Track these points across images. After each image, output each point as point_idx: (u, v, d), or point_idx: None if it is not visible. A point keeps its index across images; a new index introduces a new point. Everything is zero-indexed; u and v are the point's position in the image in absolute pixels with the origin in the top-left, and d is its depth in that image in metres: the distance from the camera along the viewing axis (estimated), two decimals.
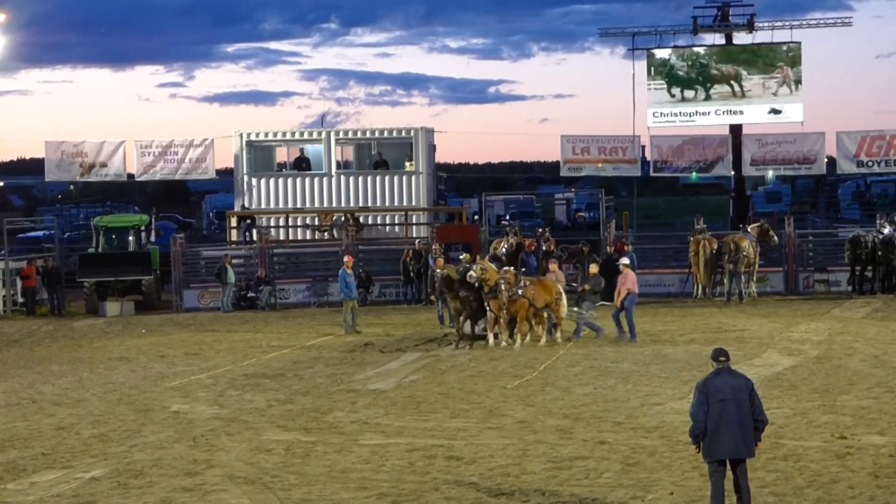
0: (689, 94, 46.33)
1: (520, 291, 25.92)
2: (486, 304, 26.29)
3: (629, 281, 26.86)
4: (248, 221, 43.43)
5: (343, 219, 42.97)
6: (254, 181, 44.44)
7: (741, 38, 46.85)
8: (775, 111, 45.40)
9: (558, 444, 16.50)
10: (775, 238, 37.14)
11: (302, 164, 44.90)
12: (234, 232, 44.16)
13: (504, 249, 34.37)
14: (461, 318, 26.98)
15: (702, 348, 24.27)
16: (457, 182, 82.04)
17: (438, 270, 27.24)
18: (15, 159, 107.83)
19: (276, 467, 15.70)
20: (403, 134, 44.82)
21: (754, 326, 29.24)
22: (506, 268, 26.72)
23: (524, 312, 26.21)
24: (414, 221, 43.71)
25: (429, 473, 15.16)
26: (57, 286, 39.88)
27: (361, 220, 43.31)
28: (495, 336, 26.47)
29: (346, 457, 16.12)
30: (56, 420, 19.58)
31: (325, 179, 44.17)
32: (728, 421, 12.26)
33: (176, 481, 15.19)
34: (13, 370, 26.18)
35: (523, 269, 28.10)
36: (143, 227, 41.72)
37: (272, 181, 44.54)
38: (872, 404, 18.63)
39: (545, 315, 26.59)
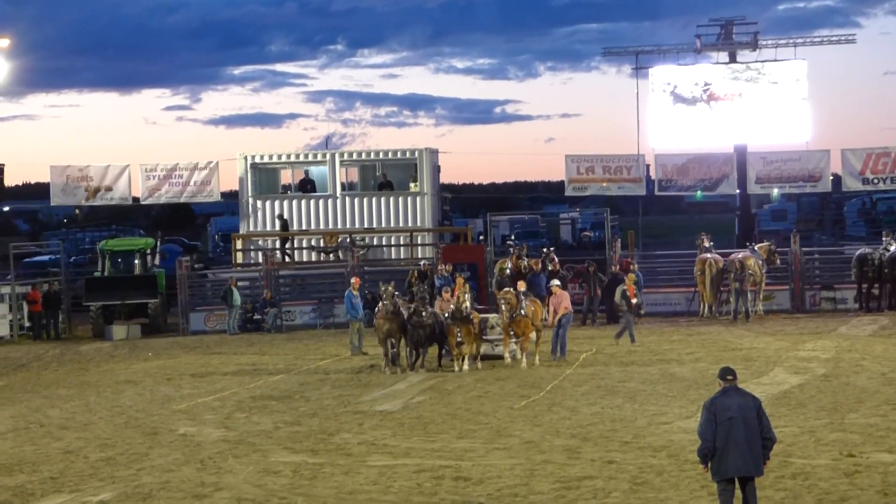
0: (694, 112, 46.29)
1: (522, 311, 25.99)
2: (455, 329, 26.13)
3: (566, 300, 27.44)
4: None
5: (348, 239, 42.99)
6: (258, 203, 44.48)
7: (745, 56, 46.80)
8: None
9: (566, 463, 16.48)
10: (778, 261, 37.16)
11: (307, 186, 44.93)
12: (239, 255, 44.19)
13: (509, 271, 34.42)
14: (412, 345, 26.88)
15: (709, 367, 24.24)
16: (461, 202, 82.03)
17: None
18: (21, 184, 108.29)
19: (283, 489, 15.68)
20: (408, 155, 44.80)
21: (761, 345, 29.19)
22: (506, 289, 26.66)
23: (529, 331, 26.29)
24: (419, 242, 43.65)
25: (437, 494, 15.14)
26: (57, 310, 39.98)
27: (366, 240, 43.34)
28: (467, 359, 26.37)
29: (353, 478, 16.11)
30: (63, 444, 19.58)
31: (329, 201, 44.21)
32: (736, 440, 12.26)
33: None
34: (20, 394, 26.18)
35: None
36: (148, 251, 41.81)
37: (277, 203, 44.57)
38: (880, 422, 18.59)
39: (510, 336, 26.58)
